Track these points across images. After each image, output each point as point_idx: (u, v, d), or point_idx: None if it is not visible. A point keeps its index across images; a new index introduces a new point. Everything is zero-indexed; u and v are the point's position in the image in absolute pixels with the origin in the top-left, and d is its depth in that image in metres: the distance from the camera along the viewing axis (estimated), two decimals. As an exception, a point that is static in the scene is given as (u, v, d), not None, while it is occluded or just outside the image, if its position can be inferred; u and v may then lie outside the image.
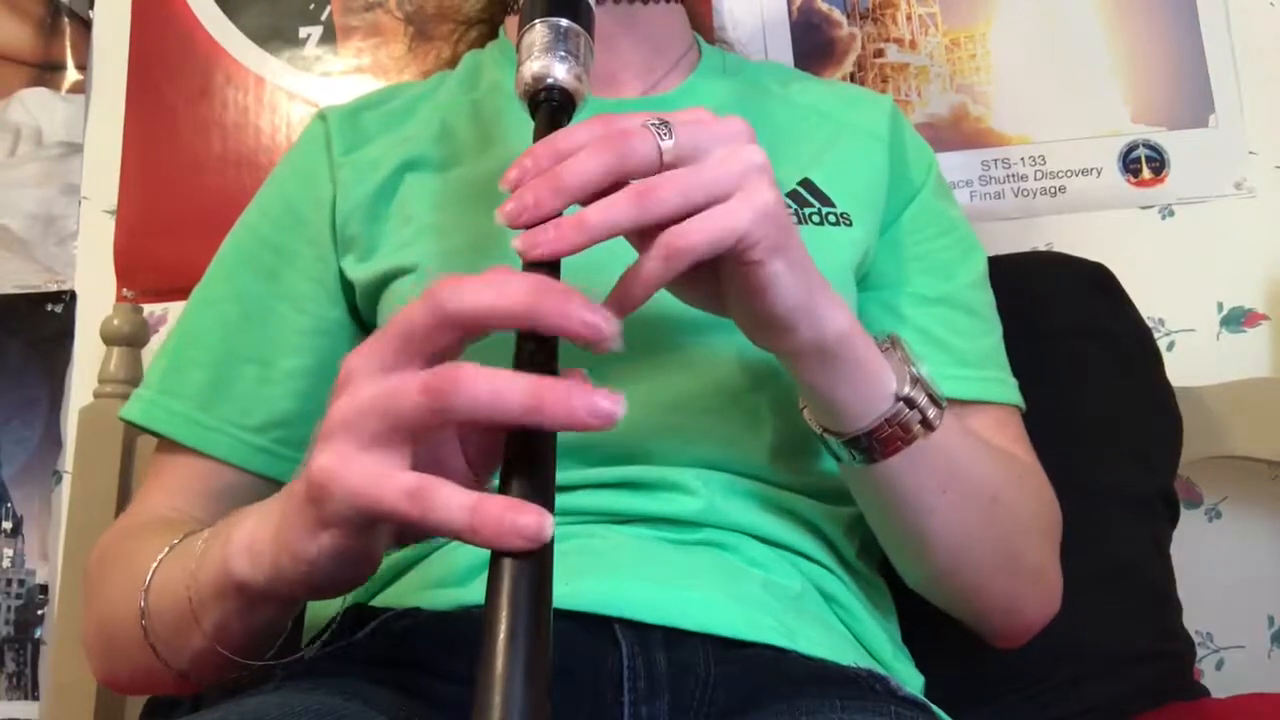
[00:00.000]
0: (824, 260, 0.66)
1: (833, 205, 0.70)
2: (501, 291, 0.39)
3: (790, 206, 0.69)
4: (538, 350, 0.41)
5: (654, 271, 0.47)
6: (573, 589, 0.55)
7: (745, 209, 0.47)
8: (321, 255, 0.71)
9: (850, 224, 0.70)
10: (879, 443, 0.57)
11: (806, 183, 0.71)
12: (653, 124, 0.47)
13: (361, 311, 0.71)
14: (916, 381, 0.56)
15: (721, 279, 0.52)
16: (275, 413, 0.68)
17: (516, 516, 0.36)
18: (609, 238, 0.45)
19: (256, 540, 0.46)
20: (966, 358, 0.70)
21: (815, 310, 0.52)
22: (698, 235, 0.46)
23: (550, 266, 0.44)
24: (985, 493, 0.62)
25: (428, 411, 0.38)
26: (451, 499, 0.37)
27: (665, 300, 0.54)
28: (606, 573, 0.57)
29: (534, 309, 0.39)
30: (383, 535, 0.43)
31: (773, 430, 0.64)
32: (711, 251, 0.47)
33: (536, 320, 0.39)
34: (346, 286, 0.71)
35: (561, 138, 0.47)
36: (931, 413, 0.57)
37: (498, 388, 0.37)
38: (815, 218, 0.69)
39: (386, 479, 0.38)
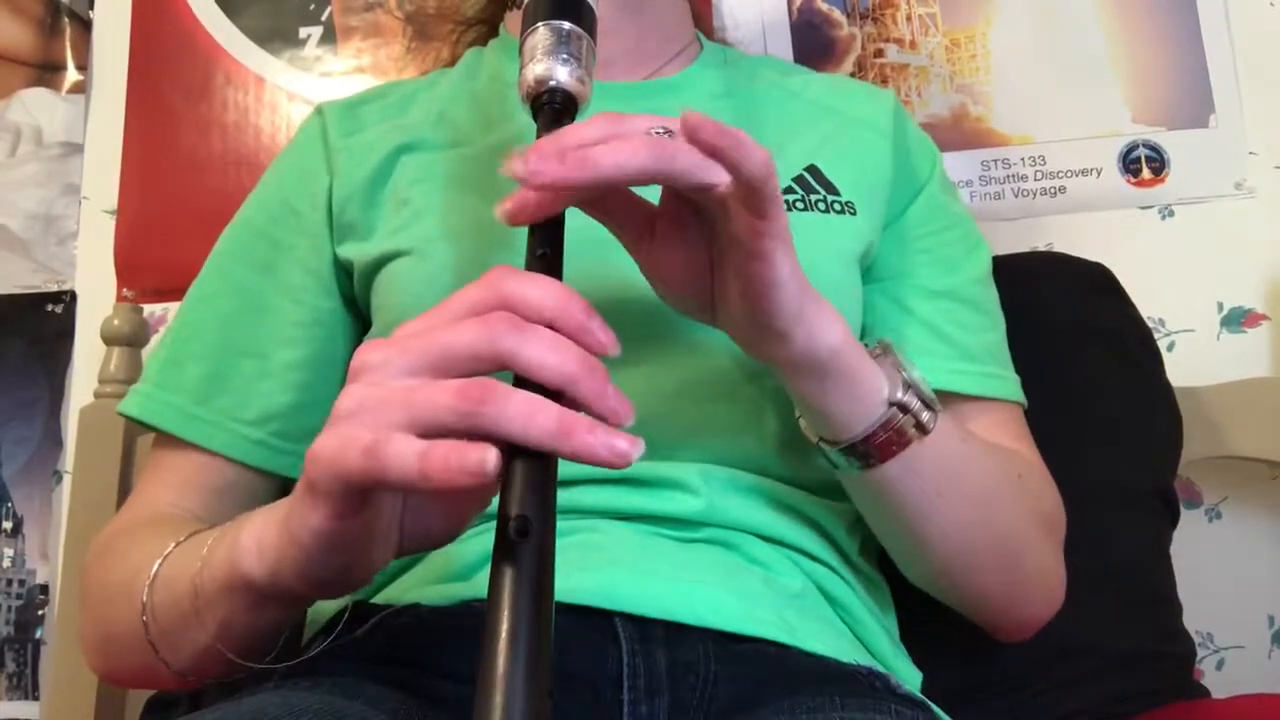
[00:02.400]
0: (829, 248, 0.66)
1: (838, 194, 0.70)
2: (563, 352, 0.39)
3: (796, 192, 0.69)
4: (549, 256, 0.44)
5: (650, 149, 0.45)
6: (573, 583, 0.55)
7: (767, 159, 0.46)
8: (316, 246, 0.71)
9: (855, 213, 0.69)
10: (874, 449, 0.57)
11: (812, 169, 0.71)
12: (657, 131, 0.47)
13: (357, 295, 0.70)
14: (909, 386, 0.57)
15: (720, 281, 0.52)
16: (272, 406, 0.68)
17: (462, 454, 0.37)
18: (614, 181, 0.45)
19: (264, 536, 0.46)
20: (970, 352, 0.70)
21: (809, 322, 0.53)
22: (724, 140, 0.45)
23: (552, 234, 0.44)
24: (983, 494, 0.62)
25: (456, 415, 0.38)
26: (404, 448, 0.38)
27: None
28: (607, 567, 0.57)
29: (577, 379, 0.39)
30: (379, 532, 0.43)
31: (774, 421, 0.64)
32: (717, 173, 0.45)
33: (575, 386, 0.39)
34: (342, 273, 0.71)
35: (567, 134, 0.47)
36: (925, 416, 0.57)
37: (531, 413, 0.38)
38: (821, 205, 0.69)
39: (350, 441, 0.39)
